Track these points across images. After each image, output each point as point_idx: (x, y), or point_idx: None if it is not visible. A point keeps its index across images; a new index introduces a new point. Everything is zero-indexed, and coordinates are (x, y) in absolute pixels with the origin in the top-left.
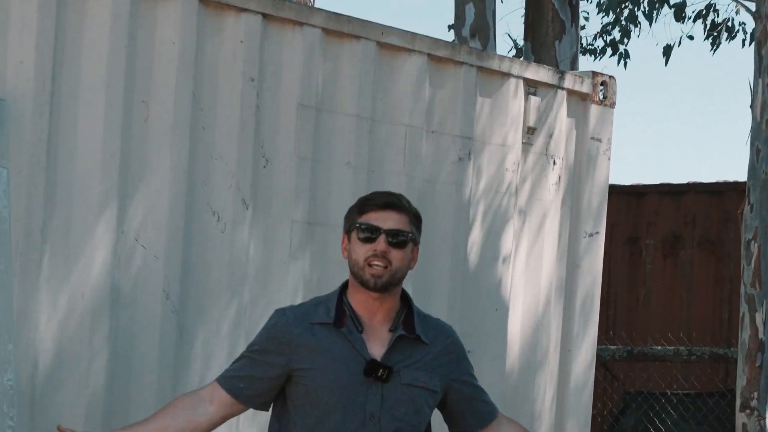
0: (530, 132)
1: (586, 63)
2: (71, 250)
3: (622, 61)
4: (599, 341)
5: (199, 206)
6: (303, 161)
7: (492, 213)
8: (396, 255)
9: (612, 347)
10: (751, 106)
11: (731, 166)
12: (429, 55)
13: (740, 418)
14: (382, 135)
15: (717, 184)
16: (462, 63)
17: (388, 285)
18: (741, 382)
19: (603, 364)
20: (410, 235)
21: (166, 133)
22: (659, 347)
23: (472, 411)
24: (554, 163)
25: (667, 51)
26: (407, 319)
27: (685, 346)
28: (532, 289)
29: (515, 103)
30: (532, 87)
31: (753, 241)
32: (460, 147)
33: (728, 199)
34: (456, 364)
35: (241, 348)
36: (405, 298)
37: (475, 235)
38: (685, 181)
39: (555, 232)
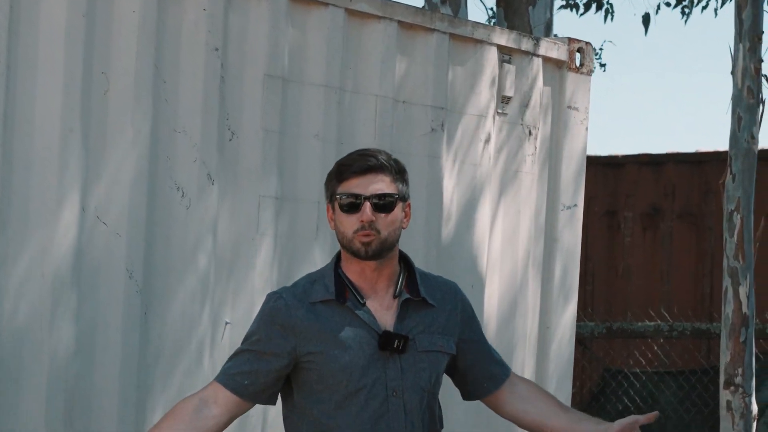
0: (505, 101)
1: (568, 18)
2: (30, 229)
3: (609, 17)
4: (577, 318)
5: (162, 182)
6: (270, 134)
7: (466, 186)
8: (384, 221)
9: (591, 324)
10: (732, 73)
11: (712, 135)
12: (399, 22)
13: (724, 395)
14: (352, 106)
15: (697, 154)
16: (434, 30)
17: (381, 252)
18: (725, 358)
19: (581, 341)
20: (396, 195)
21: (128, 106)
22: (639, 323)
23: (485, 373)
24: (530, 133)
25: (646, 20)
26: (410, 281)
27: (666, 321)
28: (509, 265)
29: (489, 71)
30: (506, 54)
31: (735, 213)
32: (433, 117)
33: (709, 169)
34: (466, 324)
35: (205, 328)
36: (404, 260)
37: (449, 210)
38: (664, 151)
39: (532, 206)
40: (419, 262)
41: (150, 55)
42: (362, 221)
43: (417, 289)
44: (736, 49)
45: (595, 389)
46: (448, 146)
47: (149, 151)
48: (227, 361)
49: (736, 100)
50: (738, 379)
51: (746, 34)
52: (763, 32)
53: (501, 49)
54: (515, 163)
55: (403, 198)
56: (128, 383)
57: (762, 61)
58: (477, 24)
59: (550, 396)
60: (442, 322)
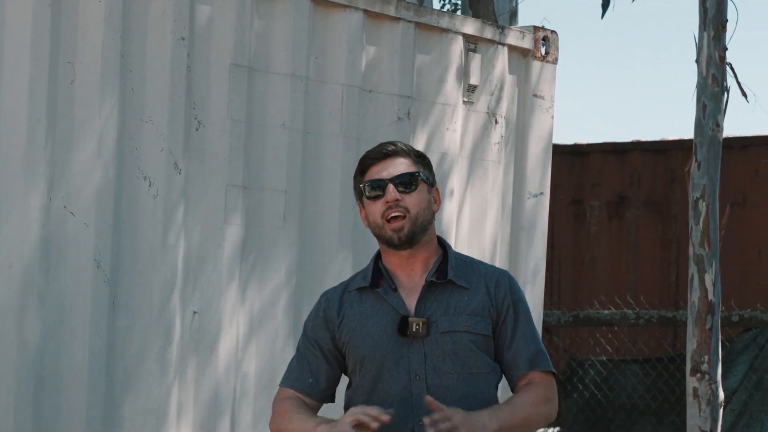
0: (471, 90)
1: (533, 5)
2: None
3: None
4: (544, 306)
5: (129, 171)
6: (237, 123)
7: None
8: (410, 200)
9: (557, 312)
10: (697, 61)
11: (677, 123)
12: (365, 11)
13: (691, 382)
14: (318, 95)
15: (662, 142)
16: (399, 19)
17: (413, 235)
18: (691, 345)
19: (547, 329)
20: (418, 174)
21: (94, 95)
22: (605, 311)
23: (514, 361)
24: (496, 121)
25: (605, 4)
26: (442, 266)
27: (632, 309)
28: (476, 253)
29: (455, 60)
30: (472, 43)
31: (701, 200)
32: (399, 106)
33: (674, 157)
34: (504, 310)
35: (174, 317)
36: (443, 246)
37: None
38: (629, 140)
39: (499, 194)
40: None
41: (116, 45)
42: (387, 202)
43: (445, 272)
44: (701, 37)
45: (561, 377)
46: (414, 135)
47: (116, 141)
48: (287, 370)
49: (701, 88)
50: (704, 366)
51: (710, 22)
52: (727, 20)
53: (467, 37)
54: (481, 151)
55: (428, 181)
56: (97, 372)
57: (726, 49)
58: (443, 13)
59: (531, 389)
60: (474, 303)
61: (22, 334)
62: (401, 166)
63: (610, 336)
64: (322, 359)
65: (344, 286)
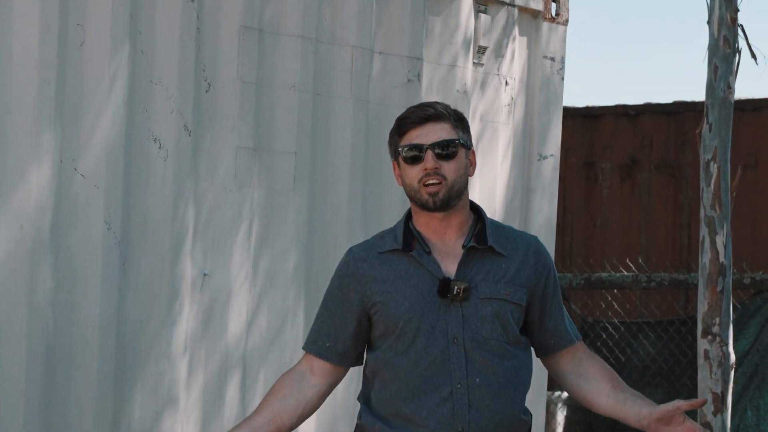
0: (481, 51)
1: None
2: (8, 182)
3: None
4: (555, 269)
5: (139, 133)
6: (247, 85)
7: None
8: (449, 167)
9: (569, 275)
10: (708, 22)
11: (688, 85)
12: None
13: (702, 344)
14: (328, 57)
15: (674, 104)
16: None
17: (448, 200)
18: (702, 307)
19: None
20: (458, 141)
21: (103, 58)
22: (617, 274)
23: (552, 330)
24: (506, 83)
25: None
26: (480, 231)
27: (644, 272)
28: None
29: (465, 21)
30: (482, 4)
31: (712, 162)
32: (409, 68)
33: (686, 119)
34: (540, 278)
35: (184, 279)
36: (477, 211)
37: None
38: (641, 102)
39: (508, 156)
40: (396, 212)
41: (126, 7)
42: (426, 169)
43: (485, 238)
44: None
45: None
46: (424, 96)
47: (126, 103)
48: (311, 327)
49: (713, 49)
50: (715, 328)
51: None
52: None
53: None
54: (491, 113)
55: (466, 145)
56: (107, 334)
57: (738, 10)
58: None
59: (608, 376)
60: (512, 271)
61: (33, 295)
62: (442, 131)
63: (621, 299)
64: (348, 320)
65: (373, 246)
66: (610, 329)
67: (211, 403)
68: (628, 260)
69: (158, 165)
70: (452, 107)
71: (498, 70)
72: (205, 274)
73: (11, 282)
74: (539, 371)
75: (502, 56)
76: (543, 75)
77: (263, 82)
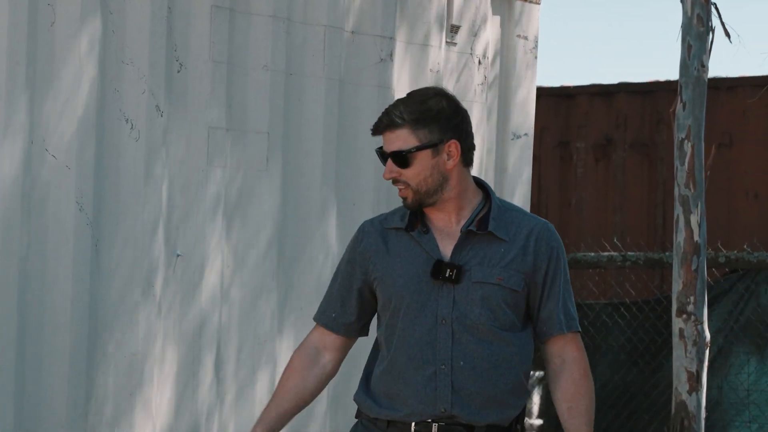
0: (454, 30)
1: None
2: None
3: None
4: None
5: (110, 114)
6: (218, 65)
7: None
8: (408, 174)
9: None
10: (681, 0)
11: (663, 64)
12: None
13: (677, 323)
14: (301, 36)
15: (649, 83)
16: None
17: (419, 202)
18: (677, 286)
19: None
20: (413, 149)
21: (74, 37)
22: (592, 254)
23: (547, 316)
24: (479, 62)
25: None
26: (484, 215)
27: (619, 252)
28: None
29: (438, 0)
30: None
31: (686, 141)
32: (382, 48)
33: (660, 98)
34: (541, 265)
35: (157, 260)
36: (484, 189)
37: None
38: (615, 81)
39: (481, 135)
40: (370, 196)
41: None
42: (386, 178)
43: (487, 223)
44: None
45: None
46: (397, 76)
47: (97, 83)
48: (323, 298)
49: (686, 28)
50: (690, 307)
51: None
52: None
53: None
54: (464, 92)
55: (429, 145)
56: (80, 314)
57: None
58: None
59: (571, 395)
60: (510, 257)
61: (4, 276)
62: (397, 141)
63: (596, 278)
64: (354, 291)
65: (383, 221)
66: (584, 309)
67: (185, 382)
68: (603, 240)
69: (130, 145)
70: (426, 102)
71: (471, 49)
72: (177, 255)
73: None
74: None
75: (476, 35)
76: (516, 54)
77: (235, 62)
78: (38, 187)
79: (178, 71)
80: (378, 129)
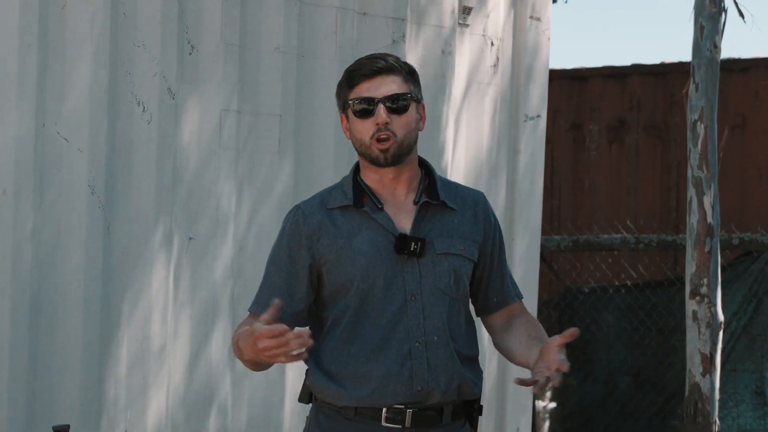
0: (466, 12)
1: None
2: None
3: None
4: (543, 231)
5: (122, 97)
6: (230, 47)
7: (429, 98)
8: (399, 122)
9: (557, 237)
10: None
11: (675, 45)
12: None
13: (690, 305)
14: (313, 18)
15: (662, 65)
16: None
17: (399, 156)
18: (690, 268)
19: (548, 254)
20: (409, 95)
21: (86, 20)
22: (605, 236)
23: (497, 288)
24: (492, 44)
25: None
26: (430, 186)
27: (633, 234)
28: (473, 177)
29: None
30: None
31: (699, 122)
32: (394, 29)
33: (673, 80)
34: (488, 235)
35: (169, 243)
36: (425, 166)
37: None
38: (628, 63)
39: (495, 117)
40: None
41: None
42: (377, 124)
43: (436, 193)
44: None
45: (562, 303)
46: (409, 58)
47: (109, 66)
48: (258, 289)
49: (699, 8)
50: (703, 289)
51: None
52: None
53: None
54: (477, 74)
55: (417, 99)
56: (92, 298)
57: None
58: None
59: (530, 327)
60: (464, 227)
61: (17, 260)
62: (393, 84)
63: (610, 261)
64: (300, 278)
65: (321, 202)
66: (598, 291)
67: (198, 365)
68: (616, 222)
69: (142, 128)
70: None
71: (483, 30)
72: (190, 238)
73: None
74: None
75: (488, 17)
76: (529, 36)
77: (247, 45)
78: (50, 170)
79: (190, 54)
80: (375, 71)
